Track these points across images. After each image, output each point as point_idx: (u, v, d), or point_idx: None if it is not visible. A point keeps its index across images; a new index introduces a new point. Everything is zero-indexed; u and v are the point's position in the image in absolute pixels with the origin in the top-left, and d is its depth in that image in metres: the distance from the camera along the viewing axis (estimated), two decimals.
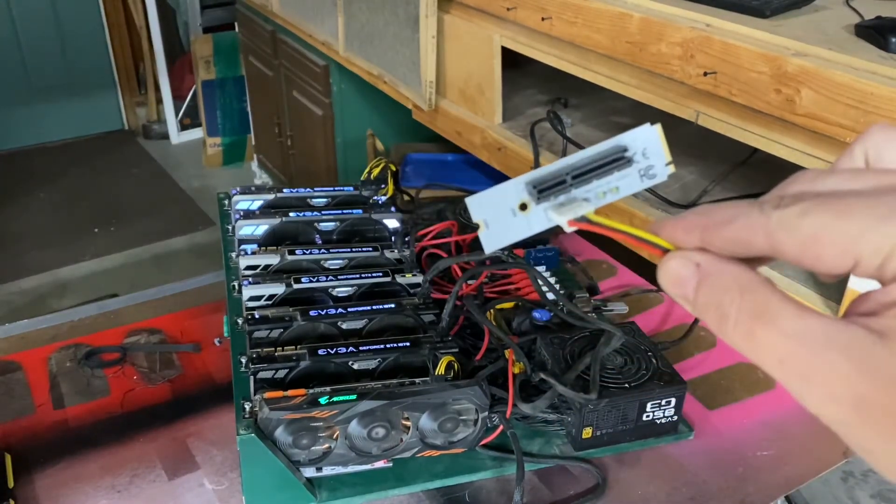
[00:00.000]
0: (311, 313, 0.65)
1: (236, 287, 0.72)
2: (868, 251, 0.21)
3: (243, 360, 0.60)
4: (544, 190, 0.27)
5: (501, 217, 0.27)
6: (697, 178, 0.99)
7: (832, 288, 0.75)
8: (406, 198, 0.93)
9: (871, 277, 0.22)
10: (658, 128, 0.28)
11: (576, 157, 0.27)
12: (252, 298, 0.67)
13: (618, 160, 0.28)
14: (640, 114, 1.02)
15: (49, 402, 0.69)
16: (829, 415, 0.21)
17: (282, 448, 0.55)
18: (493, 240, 0.27)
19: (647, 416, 0.63)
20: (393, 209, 0.83)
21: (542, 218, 0.27)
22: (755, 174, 0.97)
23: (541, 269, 0.82)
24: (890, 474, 0.21)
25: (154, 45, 3.05)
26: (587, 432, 0.62)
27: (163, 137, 3.20)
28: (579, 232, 0.95)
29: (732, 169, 0.99)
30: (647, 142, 0.28)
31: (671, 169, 0.28)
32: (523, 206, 0.27)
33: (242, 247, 0.76)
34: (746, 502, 0.60)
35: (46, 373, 0.73)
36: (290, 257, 0.72)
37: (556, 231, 1.03)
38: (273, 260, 0.72)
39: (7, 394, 0.70)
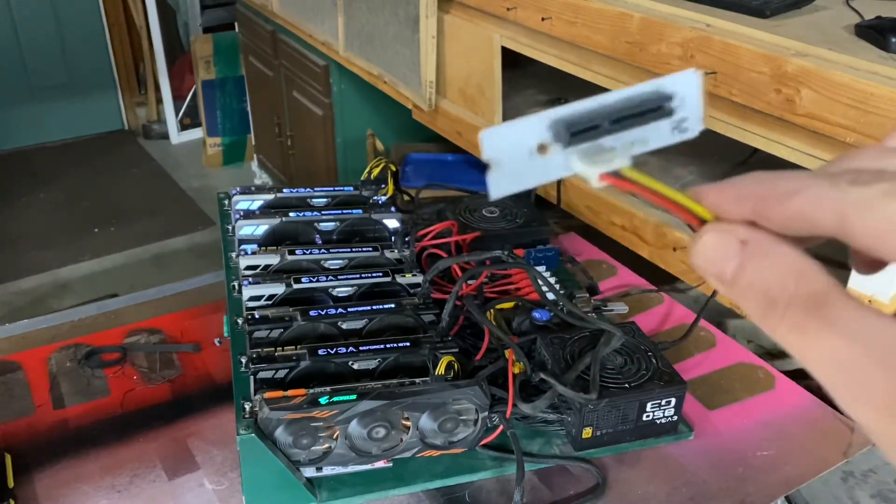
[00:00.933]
0: (311, 313, 0.65)
1: (236, 287, 0.72)
2: None
3: (243, 360, 0.60)
4: (577, 133, 0.23)
5: (516, 157, 0.23)
6: (697, 178, 0.99)
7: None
8: (406, 198, 0.93)
9: None
10: (701, 74, 0.24)
11: (613, 98, 0.24)
12: (252, 298, 0.67)
13: (657, 109, 0.24)
14: None
15: (49, 402, 0.69)
16: (882, 428, 0.19)
17: (282, 448, 0.55)
18: (502, 183, 0.23)
19: (647, 416, 0.63)
20: (393, 209, 0.83)
21: (561, 165, 0.24)
22: None
23: (541, 269, 0.82)
24: None
25: (154, 45, 3.05)
26: (587, 432, 0.62)
27: (163, 137, 3.20)
28: (579, 232, 0.94)
29: (732, 169, 0.99)
30: (688, 91, 0.24)
31: (703, 125, 0.25)
32: (542, 148, 0.23)
33: (242, 247, 0.76)
34: (746, 502, 0.60)
35: (46, 373, 0.73)
36: (290, 257, 0.72)
37: (556, 231, 1.02)
38: (273, 260, 0.72)
39: (7, 394, 0.70)
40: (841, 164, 0.22)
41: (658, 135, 0.24)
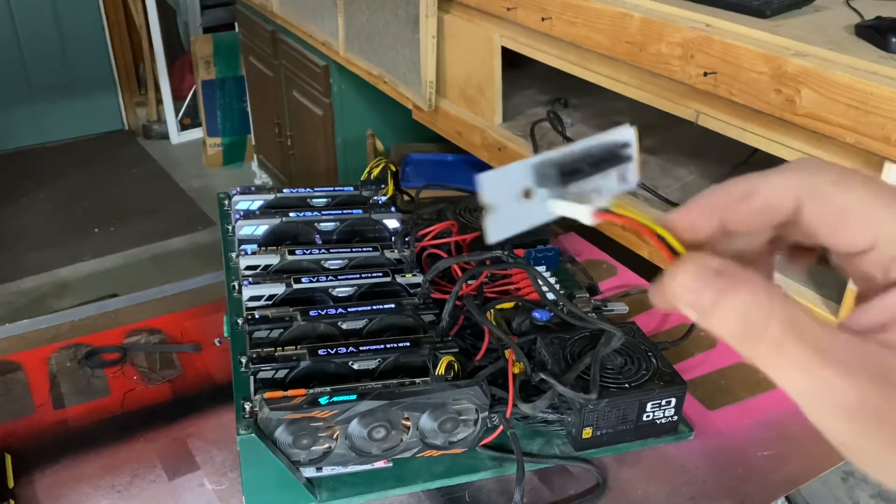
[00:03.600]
0: (312, 313, 0.65)
1: (236, 287, 0.72)
2: (888, 238, 0.21)
3: (243, 360, 0.60)
4: (566, 175, 0.25)
5: (510, 203, 0.25)
6: (697, 178, 0.98)
7: (832, 288, 0.75)
8: (406, 198, 0.93)
9: (876, 270, 0.22)
10: (634, 130, 0.27)
11: (586, 145, 0.26)
12: (252, 298, 0.67)
13: (615, 157, 0.26)
14: (641, 114, 1.02)
15: (49, 402, 0.69)
16: (847, 436, 0.21)
17: (282, 448, 0.55)
18: (498, 227, 0.24)
19: (648, 417, 0.63)
20: (393, 209, 0.83)
21: (545, 209, 0.25)
22: None
23: (541, 269, 0.82)
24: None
25: (154, 44, 3.05)
26: (587, 432, 0.62)
27: (163, 137, 3.20)
28: (579, 232, 0.93)
29: (733, 169, 0.98)
30: (628, 143, 0.27)
31: (639, 176, 0.27)
32: (527, 193, 0.25)
33: (242, 247, 0.76)
34: (747, 502, 0.60)
35: (46, 373, 0.73)
36: (290, 257, 0.72)
37: (556, 231, 1.02)
38: (273, 260, 0.72)
39: (7, 394, 0.70)
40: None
41: (609, 185, 0.26)
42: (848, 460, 0.25)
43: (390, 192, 0.85)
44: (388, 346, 0.62)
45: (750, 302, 0.22)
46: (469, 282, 0.73)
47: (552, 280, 0.76)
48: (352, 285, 0.70)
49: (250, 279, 0.69)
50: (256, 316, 0.64)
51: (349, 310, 0.66)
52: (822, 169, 0.22)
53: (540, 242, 0.86)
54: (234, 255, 0.77)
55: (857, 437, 0.20)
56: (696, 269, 0.23)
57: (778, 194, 0.23)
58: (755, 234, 0.24)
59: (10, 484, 0.60)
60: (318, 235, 0.79)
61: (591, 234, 0.97)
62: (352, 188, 0.86)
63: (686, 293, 0.23)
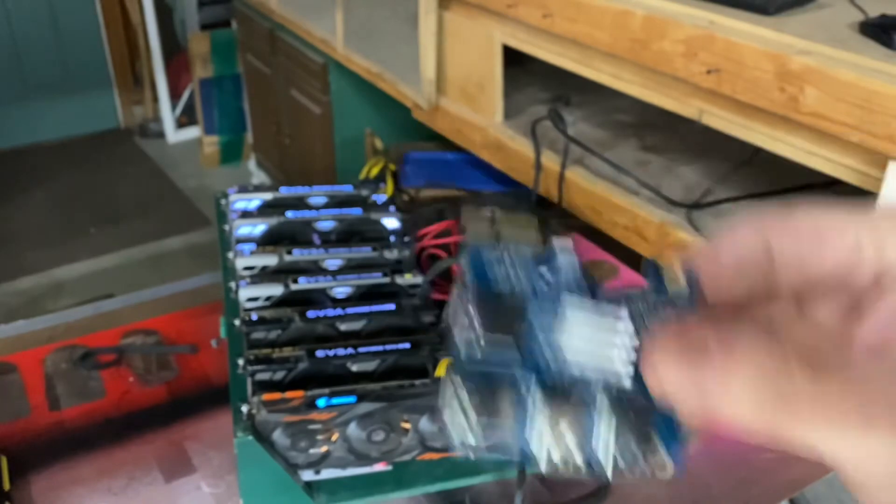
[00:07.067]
0: (310, 314, 0.64)
1: (234, 287, 0.71)
2: (870, 240, 0.19)
3: (241, 361, 0.60)
4: None
5: None
6: (700, 177, 0.98)
7: None
8: (405, 197, 0.93)
9: (869, 270, 0.20)
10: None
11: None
12: (250, 299, 0.67)
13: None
14: (643, 112, 1.01)
15: (45, 403, 0.69)
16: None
17: (280, 451, 0.54)
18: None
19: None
20: (392, 209, 0.82)
21: None
22: (759, 173, 0.96)
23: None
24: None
25: (150, 42, 3.04)
26: None
27: (159, 136, 3.19)
28: (581, 232, 0.93)
29: (736, 168, 0.98)
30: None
31: None
32: None
33: (240, 247, 0.75)
34: None
35: (42, 374, 0.72)
36: (287, 257, 0.72)
37: (558, 231, 1.00)
38: (271, 260, 0.71)
39: (2, 395, 0.70)
40: None
41: None
42: None
43: (389, 192, 0.85)
44: (387, 347, 0.61)
45: (762, 359, 0.18)
46: None
47: None
48: (350, 286, 0.69)
49: (248, 279, 0.68)
50: (254, 317, 0.63)
51: (348, 311, 0.65)
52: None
53: None
54: (231, 255, 0.76)
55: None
56: (672, 349, 0.19)
57: (745, 230, 0.20)
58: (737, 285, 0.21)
59: (6, 486, 0.59)
60: (316, 235, 0.78)
61: (592, 234, 0.96)
62: (350, 187, 0.85)
63: (671, 386, 0.19)
